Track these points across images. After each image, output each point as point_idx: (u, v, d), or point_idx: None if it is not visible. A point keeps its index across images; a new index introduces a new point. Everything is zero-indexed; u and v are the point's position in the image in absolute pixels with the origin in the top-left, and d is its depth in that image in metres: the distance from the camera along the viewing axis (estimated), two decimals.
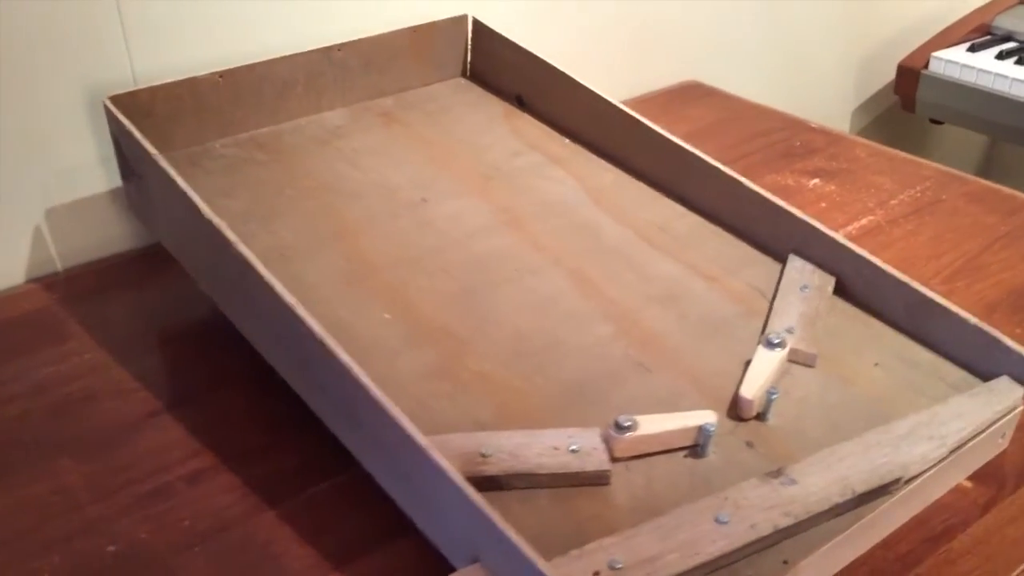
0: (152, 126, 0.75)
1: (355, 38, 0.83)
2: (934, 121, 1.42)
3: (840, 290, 0.66)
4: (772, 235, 0.70)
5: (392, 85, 0.87)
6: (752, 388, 0.56)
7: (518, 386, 0.57)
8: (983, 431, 0.55)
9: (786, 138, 1.04)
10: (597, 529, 0.48)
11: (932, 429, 0.54)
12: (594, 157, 0.80)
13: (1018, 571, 0.52)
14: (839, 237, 0.65)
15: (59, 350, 0.70)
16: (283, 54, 0.80)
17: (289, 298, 0.55)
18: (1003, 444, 0.59)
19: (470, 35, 0.90)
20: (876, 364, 0.60)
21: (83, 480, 0.58)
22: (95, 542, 0.54)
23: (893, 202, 0.91)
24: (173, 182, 0.63)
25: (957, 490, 0.57)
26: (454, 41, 0.90)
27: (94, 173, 0.80)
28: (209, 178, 0.74)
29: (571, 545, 0.47)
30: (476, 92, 0.90)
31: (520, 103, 0.88)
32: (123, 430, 0.62)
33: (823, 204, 0.90)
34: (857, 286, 0.65)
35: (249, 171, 0.75)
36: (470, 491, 0.45)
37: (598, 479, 0.51)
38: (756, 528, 0.48)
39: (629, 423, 0.52)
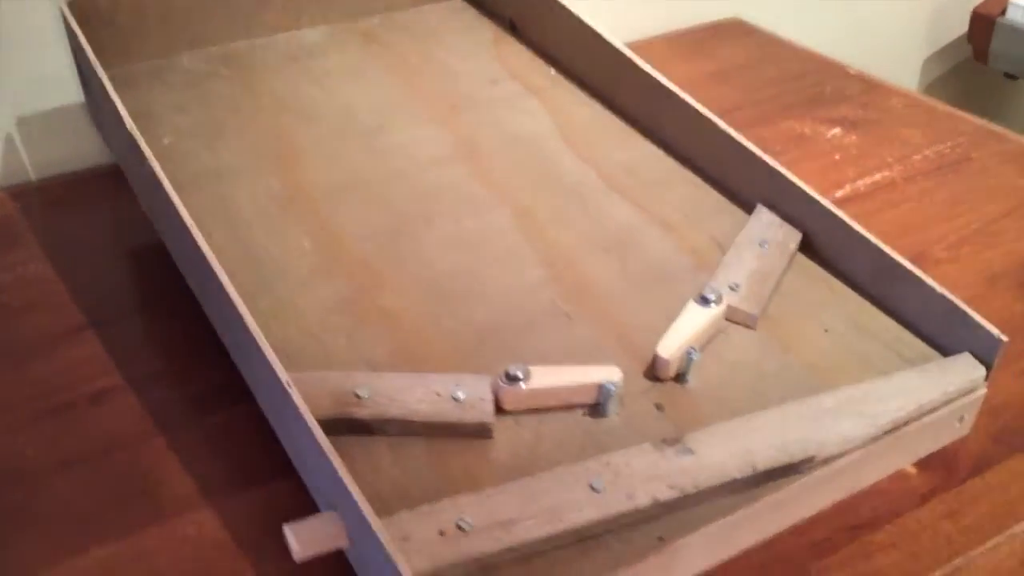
0: (114, 36, 0.73)
1: None
2: (1008, 76, 1.31)
3: (808, 248, 0.60)
4: (743, 184, 0.64)
5: (380, 4, 0.83)
6: (671, 346, 0.51)
7: (424, 327, 0.53)
8: (930, 412, 0.49)
9: (818, 83, 0.96)
10: (468, 485, 0.45)
11: (865, 405, 0.48)
12: (577, 90, 0.75)
13: (945, 571, 0.47)
14: (808, 189, 0.59)
15: (6, 259, 0.69)
16: None
17: (188, 219, 0.52)
18: (962, 429, 0.53)
19: None
20: (826, 331, 0.55)
21: None
22: None
23: (916, 157, 0.83)
24: (107, 93, 0.61)
25: (899, 476, 0.51)
26: None
27: (67, 83, 0.78)
28: (167, 93, 0.72)
29: (435, 499, 0.43)
30: (470, 15, 0.85)
31: (513, 28, 0.83)
32: (45, 343, 0.61)
33: (837, 156, 0.83)
34: (824, 244, 0.59)
35: (210, 87, 0.73)
36: (318, 432, 0.42)
37: (479, 431, 0.47)
38: (632, 499, 0.43)
39: (521, 373, 0.48)
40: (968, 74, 1.42)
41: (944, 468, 0.52)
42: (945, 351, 0.53)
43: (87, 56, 0.65)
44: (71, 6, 0.70)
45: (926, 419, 0.49)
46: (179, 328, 0.61)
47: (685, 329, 0.52)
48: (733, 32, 1.09)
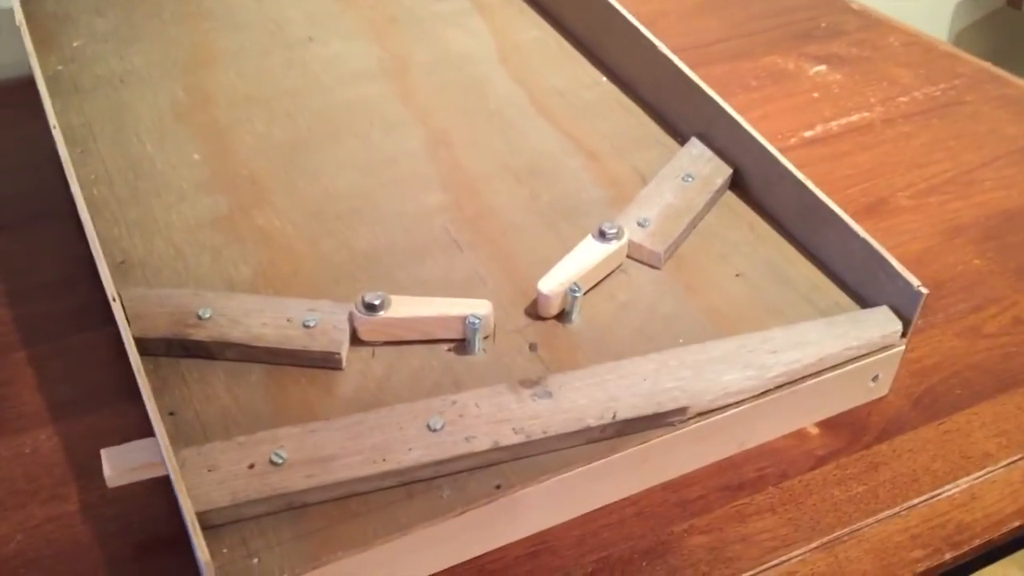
0: None
1: None
2: None
3: (739, 186, 0.55)
4: (680, 114, 0.59)
5: None
6: (553, 282, 0.47)
7: (297, 248, 0.50)
8: (833, 368, 0.45)
9: (814, 17, 0.89)
10: (303, 418, 0.42)
11: (757, 356, 0.44)
12: (528, 9, 0.70)
13: (823, 540, 0.42)
14: (741, 120, 0.54)
15: None
16: None
17: (58, 135, 0.49)
18: (877, 390, 0.48)
19: None
20: (738, 275, 0.50)
21: None
22: None
23: (902, 99, 0.76)
24: None
25: (797, 436, 0.47)
26: None
27: None
28: None
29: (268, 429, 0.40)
30: None
31: None
32: None
33: (815, 94, 0.77)
34: (754, 182, 0.54)
35: None
36: (131, 351, 0.39)
37: (327, 361, 0.44)
38: (471, 442, 0.40)
39: (378, 301, 0.44)
40: (1000, 25, 1.32)
41: (849, 431, 0.47)
42: (865, 303, 0.48)
43: None
44: None
45: (829, 375, 0.45)
46: (73, 240, 0.59)
47: (573, 265, 0.47)
48: None
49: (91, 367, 0.50)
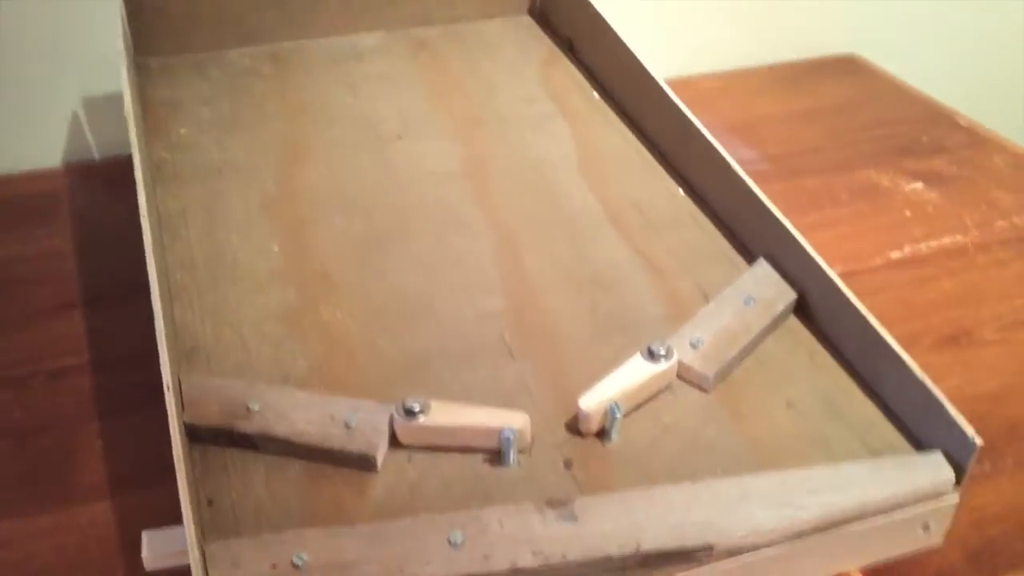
0: (166, 24, 0.75)
1: None
2: None
3: (804, 311, 0.54)
4: (751, 233, 0.59)
5: (442, 13, 0.82)
6: (594, 399, 0.47)
7: (354, 345, 0.52)
8: (878, 513, 0.43)
9: (916, 131, 0.88)
10: (333, 518, 0.43)
11: (795, 495, 0.43)
12: (613, 117, 0.71)
13: None
14: (807, 246, 0.53)
15: (35, 232, 0.72)
16: None
17: (144, 223, 0.52)
18: (929, 539, 0.46)
19: None
20: (790, 405, 0.49)
21: None
22: None
23: (1000, 223, 0.74)
24: (123, 81, 0.62)
25: None
26: None
27: None
28: (201, 85, 0.73)
29: (296, 527, 0.41)
30: (533, 32, 0.82)
31: (571, 48, 0.79)
32: (33, 316, 0.64)
33: (908, 212, 0.76)
34: (818, 309, 0.53)
35: (246, 83, 0.74)
36: (175, 437, 0.41)
37: (363, 463, 0.45)
38: (488, 561, 0.40)
39: (418, 407, 0.45)
40: None
41: None
42: (921, 446, 0.46)
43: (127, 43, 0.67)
44: None
45: (874, 521, 0.43)
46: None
47: (617, 383, 0.47)
48: (844, 69, 1.02)
49: (155, 444, 0.52)
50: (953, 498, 0.45)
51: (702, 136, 0.62)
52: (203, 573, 0.37)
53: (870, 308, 0.64)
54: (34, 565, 0.47)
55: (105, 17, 0.78)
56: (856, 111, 0.92)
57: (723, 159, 0.60)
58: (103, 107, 0.82)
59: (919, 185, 0.79)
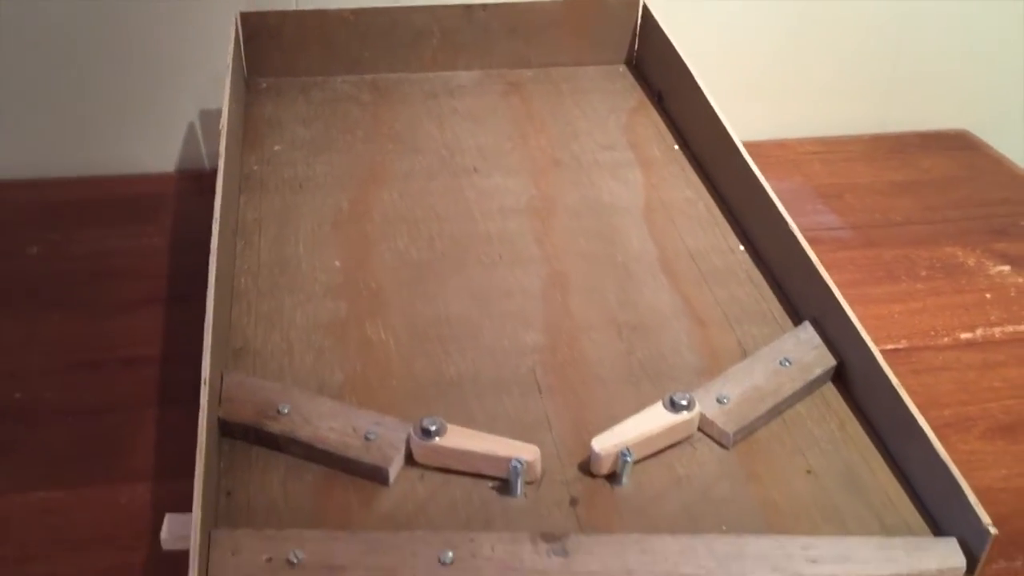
0: (277, 48, 0.80)
1: (501, 1, 0.82)
2: None
3: (842, 379, 0.54)
4: (801, 296, 0.58)
5: (540, 57, 0.85)
6: (607, 442, 0.47)
7: (391, 362, 0.54)
8: None
9: (1015, 213, 0.85)
10: (339, 523, 0.45)
11: (793, 562, 0.42)
12: (689, 170, 0.72)
13: None
14: (851, 314, 0.53)
15: (139, 228, 0.77)
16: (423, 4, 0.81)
17: (215, 227, 0.56)
18: None
19: (639, 21, 0.85)
20: (809, 471, 0.48)
21: (54, 335, 0.65)
22: (6, 387, 0.60)
23: None
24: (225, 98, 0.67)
25: None
26: (620, 24, 0.85)
27: None
28: (303, 106, 0.77)
29: (303, 527, 0.44)
30: (627, 81, 0.84)
31: (660, 100, 0.81)
32: (119, 306, 0.68)
33: (988, 294, 0.73)
34: (856, 379, 0.53)
35: (344, 108, 0.78)
36: (201, 429, 0.44)
37: (375, 475, 0.47)
38: None
39: (434, 428, 0.47)
40: None
41: None
42: (939, 531, 0.45)
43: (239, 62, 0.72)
44: (244, 16, 0.77)
45: None
46: None
47: (633, 428, 0.48)
48: (953, 144, 0.99)
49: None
50: None
51: (766, 194, 0.62)
52: (202, 555, 0.39)
53: (926, 386, 0.63)
54: (73, 534, 0.50)
55: (225, 37, 0.84)
56: (955, 187, 0.90)
57: (783, 219, 0.60)
58: (216, 120, 0.87)
59: (1006, 268, 0.76)
